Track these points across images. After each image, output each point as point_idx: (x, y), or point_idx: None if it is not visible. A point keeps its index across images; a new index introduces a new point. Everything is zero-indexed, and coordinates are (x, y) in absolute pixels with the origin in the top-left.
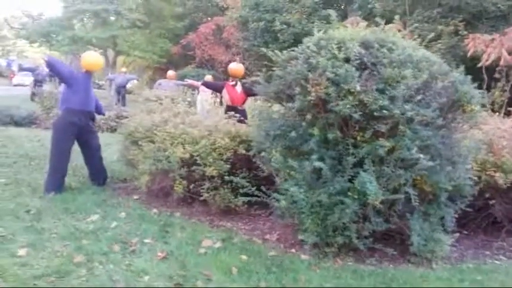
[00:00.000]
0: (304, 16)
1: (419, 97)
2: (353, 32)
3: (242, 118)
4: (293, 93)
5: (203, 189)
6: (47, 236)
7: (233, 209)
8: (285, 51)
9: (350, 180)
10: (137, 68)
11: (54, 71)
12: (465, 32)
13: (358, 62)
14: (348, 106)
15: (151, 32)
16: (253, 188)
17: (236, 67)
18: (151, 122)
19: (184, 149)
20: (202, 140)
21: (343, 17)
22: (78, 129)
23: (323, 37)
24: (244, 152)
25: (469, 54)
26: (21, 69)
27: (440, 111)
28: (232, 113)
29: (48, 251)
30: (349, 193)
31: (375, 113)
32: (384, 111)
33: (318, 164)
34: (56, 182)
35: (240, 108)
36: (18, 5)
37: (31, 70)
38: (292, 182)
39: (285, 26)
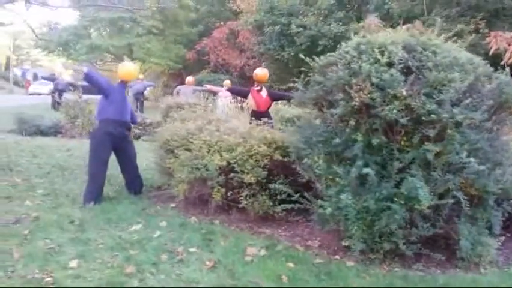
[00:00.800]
0: (320, 18)
1: (467, 100)
2: (393, 35)
3: (271, 123)
4: (334, 99)
5: (241, 196)
6: (95, 247)
7: (271, 216)
8: (322, 57)
9: (396, 186)
10: (152, 74)
11: (93, 83)
12: (486, 30)
13: (402, 66)
14: (394, 111)
15: (165, 39)
16: (297, 195)
17: (261, 72)
18: (186, 130)
19: (221, 156)
20: (238, 147)
21: (358, 18)
22: (115, 139)
23: (362, 41)
24: (280, 158)
25: (491, 52)
26: (42, 78)
27: (488, 114)
28: (265, 119)
29: (99, 262)
30: (395, 199)
31: (423, 118)
32: (433, 115)
33: (366, 170)
34: (95, 192)
35: (265, 113)
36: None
37: (51, 79)
38: (336, 189)
39: (301, 29)
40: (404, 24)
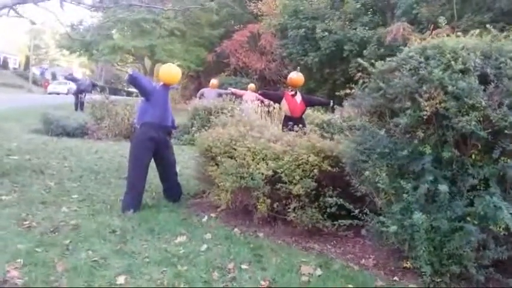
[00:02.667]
0: (347, 23)
1: None
2: (463, 40)
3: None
4: (399, 108)
5: (289, 208)
6: (140, 261)
7: (318, 230)
8: (381, 62)
9: (470, 204)
10: None
11: (137, 85)
12: None
13: (478, 73)
14: (473, 122)
15: (186, 41)
16: (357, 211)
17: (296, 76)
18: (229, 136)
19: (267, 165)
20: (285, 155)
21: (384, 22)
22: (156, 145)
23: (427, 46)
24: (329, 168)
25: None
26: (65, 78)
27: None
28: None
29: (147, 279)
30: (468, 218)
31: (506, 131)
32: None
33: (443, 187)
34: (134, 199)
35: (299, 118)
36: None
37: (74, 80)
38: (401, 205)
39: (326, 33)
40: (433, 30)
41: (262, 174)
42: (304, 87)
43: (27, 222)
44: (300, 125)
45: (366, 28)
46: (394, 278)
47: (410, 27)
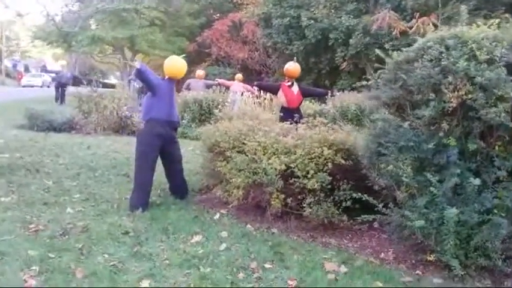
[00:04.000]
0: (332, 11)
1: None
2: (483, 29)
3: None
4: (420, 100)
5: (304, 203)
6: (160, 263)
7: (332, 224)
8: (397, 52)
9: (495, 196)
10: (151, 67)
11: (143, 79)
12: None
13: (503, 64)
14: (502, 114)
15: (167, 30)
16: (381, 205)
17: (293, 67)
18: (238, 131)
19: (279, 159)
20: (297, 149)
21: (367, 10)
22: (163, 141)
23: (445, 35)
24: (343, 161)
25: None
26: (45, 71)
27: None
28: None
29: (172, 283)
30: (495, 211)
31: None
32: None
33: (476, 181)
34: (142, 198)
35: (296, 110)
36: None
37: (55, 73)
38: (426, 199)
39: (312, 22)
40: (419, 17)
41: (276, 169)
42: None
43: (33, 226)
44: (297, 115)
45: (351, 16)
46: (416, 272)
47: (395, 15)
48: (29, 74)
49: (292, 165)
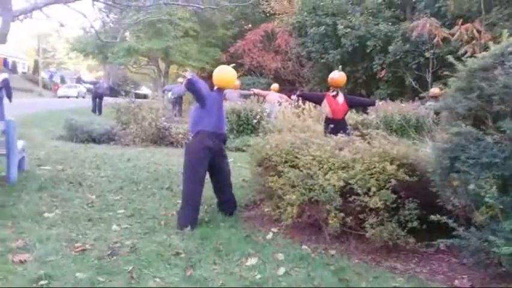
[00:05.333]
0: (370, 18)
1: None
2: None
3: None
4: (503, 111)
5: (365, 223)
6: None
7: (395, 246)
8: (472, 59)
9: None
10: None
11: (194, 90)
12: None
13: None
14: None
15: (200, 41)
16: (461, 229)
17: (339, 76)
18: (290, 144)
19: (337, 175)
20: (356, 164)
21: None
22: (212, 154)
23: None
24: (407, 178)
25: None
26: (83, 82)
27: None
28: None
29: None
30: None
31: None
32: None
33: None
34: (191, 215)
35: (341, 121)
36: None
37: (93, 83)
38: None
39: (348, 30)
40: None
41: (334, 185)
42: (324, 86)
43: (79, 245)
44: (341, 129)
45: (389, 23)
46: None
47: (437, 22)
48: (65, 85)
49: (351, 182)
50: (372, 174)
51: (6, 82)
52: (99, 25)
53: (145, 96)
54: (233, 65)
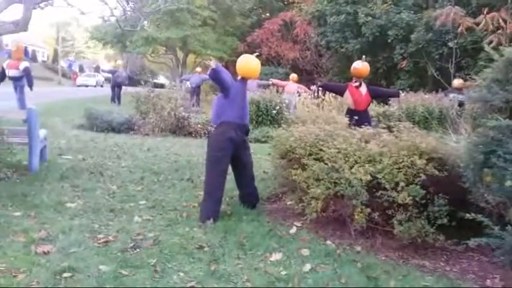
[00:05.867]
0: (392, 6)
1: None
2: None
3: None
4: None
5: (392, 219)
6: (242, 285)
7: (423, 242)
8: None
9: None
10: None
11: (218, 79)
12: None
13: None
14: None
15: (218, 30)
16: (496, 227)
17: (362, 66)
18: (315, 136)
19: (363, 169)
20: (383, 157)
21: (426, 5)
22: (235, 146)
23: None
24: (436, 172)
25: None
26: (102, 71)
27: None
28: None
29: None
30: None
31: None
32: None
33: None
34: (213, 207)
35: (363, 112)
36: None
37: (112, 72)
38: None
39: (369, 18)
40: (488, 13)
41: (361, 180)
42: (343, 76)
43: (102, 236)
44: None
45: (411, 12)
46: None
47: (462, 10)
48: (84, 74)
49: (378, 176)
50: (400, 168)
51: (27, 71)
52: (119, 13)
53: (162, 86)
54: (256, 54)
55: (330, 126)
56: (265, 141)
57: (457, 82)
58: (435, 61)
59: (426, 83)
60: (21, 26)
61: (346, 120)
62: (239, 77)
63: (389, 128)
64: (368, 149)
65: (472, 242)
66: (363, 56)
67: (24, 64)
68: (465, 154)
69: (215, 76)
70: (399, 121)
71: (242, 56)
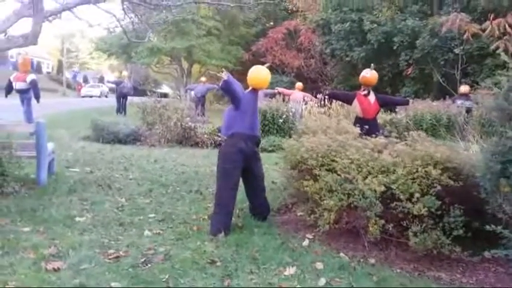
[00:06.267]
0: (398, 13)
1: None
2: None
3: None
4: None
5: (407, 230)
6: None
7: (438, 254)
8: None
9: None
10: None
11: (230, 91)
12: None
13: None
14: None
15: (223, 40)
16: None
17: (371, 74)
18: (327, 147)
19: (377, 180)
20: (397, 168)
21: (432, 12)
22: (246, 157)
23: None
24: (452, 182)
25: None
26: (108, 81)
27: None
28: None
29: None
30: None
31: None
32: None
33: None
34: (224, 221)
35: (372, 121)
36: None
37: (117, 83)
38: None
39: (375, 25)
40: (494, 19)
41: (375, 191)
42: (348, 84)
43: (112, 251)
44: (372, 129)
45: (417, 18)
46: None
47: (467, 17)
48: (88, 84)
49: (393, 187)
50: (414, 178)
51: (34, 83)
52: (124, 24)
53: (165, 95)
54: (267, 64)
55: (341, 137)
56: (272, 151)
57: (463, 88)
58: (441, 67)
59: (431, 90)
60: (30, 39)
61: (357, 130)
62: (250, 88)
63: (400, 137)
64: (381, 159)
65: (488, 253)
66: (372, 65)
67: (31, 77)
68: (481, 163)
69: (227, 88)
70: (407, 129)
71: (253, 68)
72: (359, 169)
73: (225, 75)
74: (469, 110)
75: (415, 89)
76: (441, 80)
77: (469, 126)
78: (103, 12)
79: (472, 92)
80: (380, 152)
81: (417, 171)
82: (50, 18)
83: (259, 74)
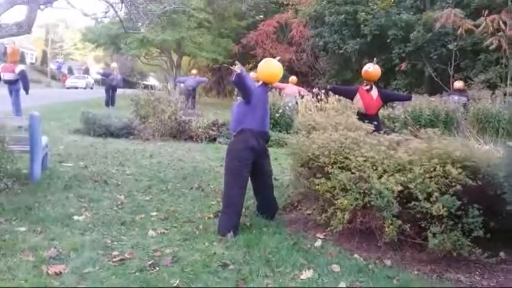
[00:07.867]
0: (393, 5)
1: None
2: None
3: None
4: None
5: (429, 232)
6: None
7: (456, 255)
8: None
9: None
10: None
11: (241, 85)
12: None
13: None
14: None
15: (213, 32)
16: None
17: (374, 69)
18: (340, 144)
19: (394, 179)
20: (414, 166)
21: (425, 7)
22: (255, 154)
23: None
24: (470, 182)
25: None
26: (97, 74)
27: None
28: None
29: None
30: None
31: None
32: None
33: None
34: (232, 220)
35: (374, 116)
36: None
37: (106, 75)
38: None
39: (370, 17)
40: (488, 15)
41: (393, 191)
42: (340, 79)
43: (116, 253)
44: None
45: (411, 13)
46: None
47: (461, 12)
48: (73, 76)
49: (410, 186)
50: (432, 177)
51: (23, 74)
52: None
53: (152, 87)
54: (279, 58)
55: (354, 133)
56: (269, 146)
57: (458, 84)
58: (433, 62)
59: (421, 83)
60: (25, 28)
61: (371, 126)
62: (260, 82)
63: (399, 133)
64: (397, 157)
65: (503, 254)
66: (375, 59)
67: (20, 67)
68: (503, 163)
69: (240, 82)
70: (405, 124)
71: (264, 61)
72: (374, 167)
73: (238, 68)
74: (464, 106)
75: (406, 82)
76: (433, 75)
77: (467, 122)
78: (95, 2)
79: (466, 88)
80: (394, 149)
81: (434, 170)
82: (42, 6)
83: (272, 67)
